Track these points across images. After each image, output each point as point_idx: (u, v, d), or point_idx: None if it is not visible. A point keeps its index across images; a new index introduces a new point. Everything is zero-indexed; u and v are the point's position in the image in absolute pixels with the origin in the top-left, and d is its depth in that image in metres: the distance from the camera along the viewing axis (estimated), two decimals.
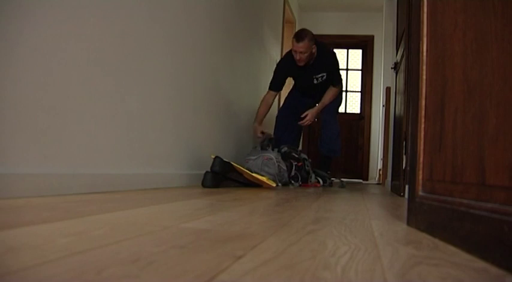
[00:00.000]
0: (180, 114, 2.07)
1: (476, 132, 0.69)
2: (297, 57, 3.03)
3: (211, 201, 1.33)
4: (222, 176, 2.14)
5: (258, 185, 2.33)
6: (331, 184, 3.23)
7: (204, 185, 2.06)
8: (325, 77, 3.17)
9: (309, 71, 3.16)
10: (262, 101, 3.24)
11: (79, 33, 1.28)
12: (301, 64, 3.06)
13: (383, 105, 4.41)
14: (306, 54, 3.00)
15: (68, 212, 0.85)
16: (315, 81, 3.20)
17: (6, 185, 1.01)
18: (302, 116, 3.22)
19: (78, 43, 1.28)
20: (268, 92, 3.24)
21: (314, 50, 3.06)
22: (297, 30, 3.25)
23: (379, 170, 4.82)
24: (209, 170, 2.09)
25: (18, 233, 0.60)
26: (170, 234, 0.67)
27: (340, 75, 3.29)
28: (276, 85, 3.22)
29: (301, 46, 2.97)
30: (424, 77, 0.95)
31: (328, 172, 3.28)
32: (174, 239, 0.63)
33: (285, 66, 3.20)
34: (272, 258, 0.53)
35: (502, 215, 0.57)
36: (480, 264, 0.58)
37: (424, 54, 0.96)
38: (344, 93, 5.99)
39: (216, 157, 2.12)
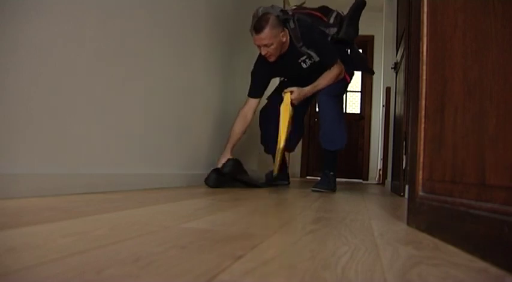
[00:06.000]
0: (181, 114, 2.07)
1: (476, 132, 0.69)
2: (264, 52, 2.24)
3: (212, 201, 1.33)
4: (230, 177, 2.13)
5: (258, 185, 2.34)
6: (334, 188, 2.42)
7: (206, 182, 2.05)
8: (314, 59, 2.35)
9: (289, 58, 2.35)
10: (238, 113, 2.41)
11: (79, 34, 1.28)
12: (272, 59, 2.28)
13: (383, 105, 4.41)
14: (273, 46, 2.21)
15: (68, 212, 0.84)
16: (304, 65, 2.38)
17: (6, 185, 1.01)
18: (284, 91, 2.39)
19: (78, 43, 1.28)
20: (246, 100, 2.44)
21: (285, 38, 2.25)
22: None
23: (379, 170, 4.82)
24: (215, 168, 2.09)
25: (18, 233, 0.60)
26: (170, 234, 0.67)
27: (332, 50, 2.37)
28: (255, 90, 2.45)
29: (263, 37, 2.16)
30: (424, 77, 0.95)
31: (332, 173, 2.41)
32: (174, 239, 0.63)
33: (262, 65, 2.42)
34: (272, 258, 0.53)
35: (502, 215, 0.57)
36: (480, 264, 0.58)
37: (424, 54, 0.96)
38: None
39: (230, 159, 2.11)
